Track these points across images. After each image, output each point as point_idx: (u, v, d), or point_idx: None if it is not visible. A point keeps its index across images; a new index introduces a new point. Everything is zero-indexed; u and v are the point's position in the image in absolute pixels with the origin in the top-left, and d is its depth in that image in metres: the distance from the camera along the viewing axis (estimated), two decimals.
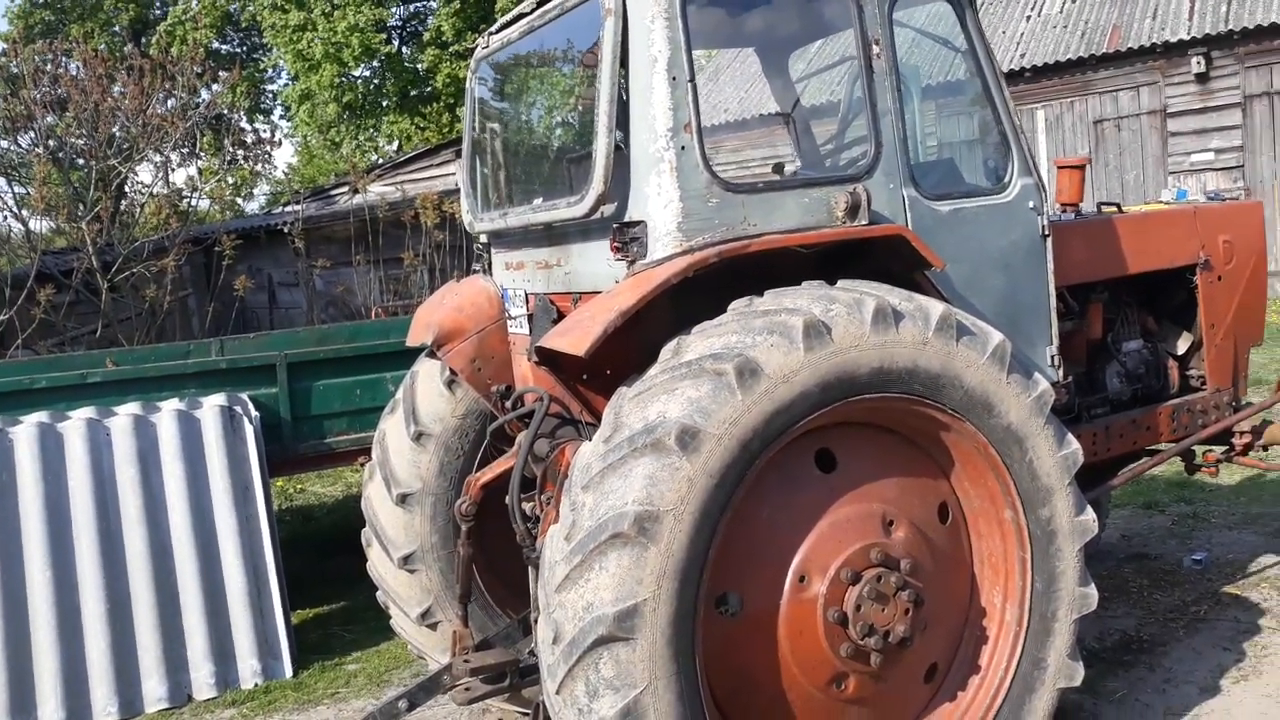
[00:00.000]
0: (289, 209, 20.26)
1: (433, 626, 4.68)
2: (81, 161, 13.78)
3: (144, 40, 36.78)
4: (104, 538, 5.66)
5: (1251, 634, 5.14)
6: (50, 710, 5.34)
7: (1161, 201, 5.72)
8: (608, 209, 3.50)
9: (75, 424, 5.83)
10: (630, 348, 3.47)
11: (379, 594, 4.86)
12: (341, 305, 16.83)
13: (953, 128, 4.50)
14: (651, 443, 2.91)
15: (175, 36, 35.89)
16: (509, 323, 4.38)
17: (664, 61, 3.32)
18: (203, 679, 5.65)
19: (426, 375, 4.69)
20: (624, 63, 3.37)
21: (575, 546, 2.92)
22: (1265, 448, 5.35)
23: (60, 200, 13.90)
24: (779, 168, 4.22)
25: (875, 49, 3.68)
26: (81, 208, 13.30)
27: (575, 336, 3.21)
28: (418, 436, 4.59)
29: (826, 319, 3.14)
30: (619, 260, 3.42)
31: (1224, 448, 5.38)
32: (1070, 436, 3.62)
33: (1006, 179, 4.07)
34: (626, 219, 3.42)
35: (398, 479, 4.61)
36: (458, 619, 4.42)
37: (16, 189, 14.59)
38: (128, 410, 6.03)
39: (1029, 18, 19.98)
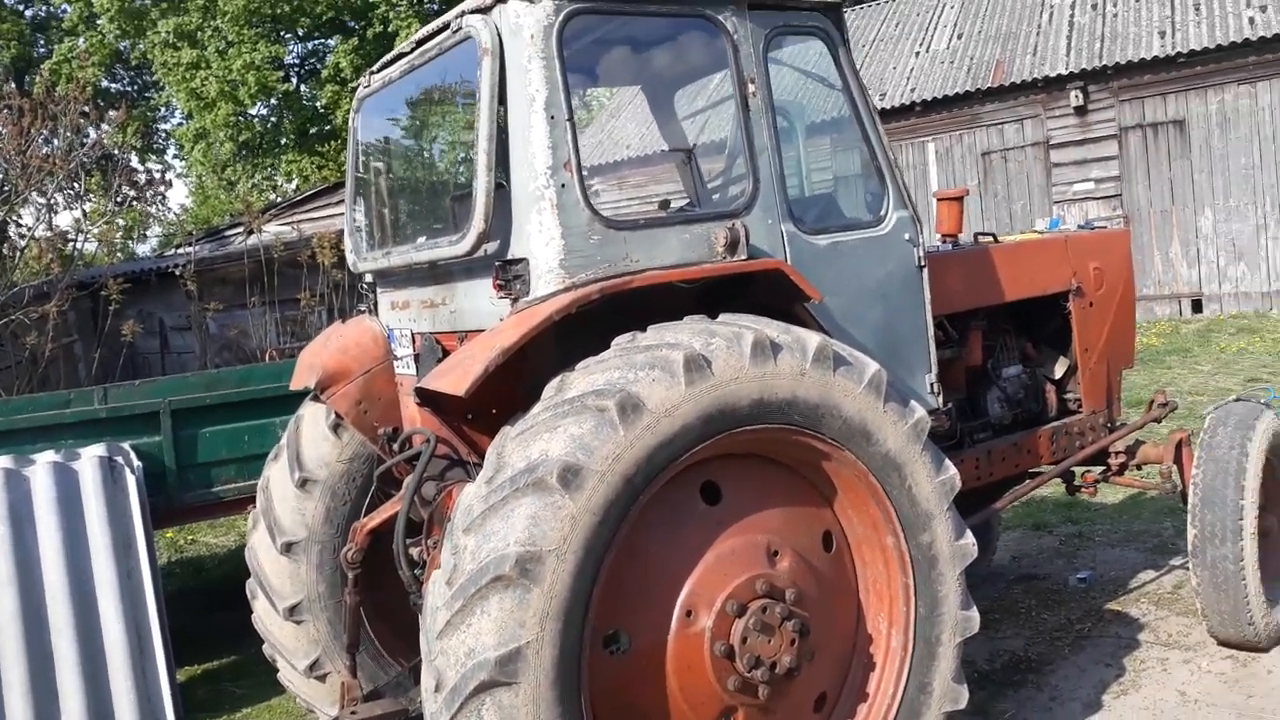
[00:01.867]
0: (181, 251, 19.70)
1: (321, 678, 4.55)
2: None
3: (26, 79, 35.59)
4: None
5: (1131, 649, 5.31)
6: None
7: (1035, 231, 5.95)
8: (490, 247, 3.49)
9: None
10: (515, 386, 3.45)
11: (265, 646, 4.70)
12: (236, 349, 16.38)
13: (830, 163, 4.62)
14: (533, 482, 2.89)
15: (61, 75, 34.83)
16: (396, 363, 4.32)
17: (542, 100, 3.33)
18: None
19: (311, 419, 4.59)
20: (502, 101, 3.37)
21: (456, 591, 2.87)
22: (1139, 466, 5.57)
23: None
24: (664, 204, 4.27)
25: (751, 87, 3.76)
26: None
27: (455, 377, 3.18)
28: (302, 483, 4.48)
29: (707, 353, 3.16)
30: (502, 298, 3.41)
31: (1102, 468, 5.58)
32: (948, 462, 3.71)
33: (882, 212, 4.18)
34: (509, 257, 3.41)
35: (282, 527, 4.49)
36: (346, 670, 4.30)
37: None
38: None
39: (918, 54, 20.72)
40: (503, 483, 2.93)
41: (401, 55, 4.01)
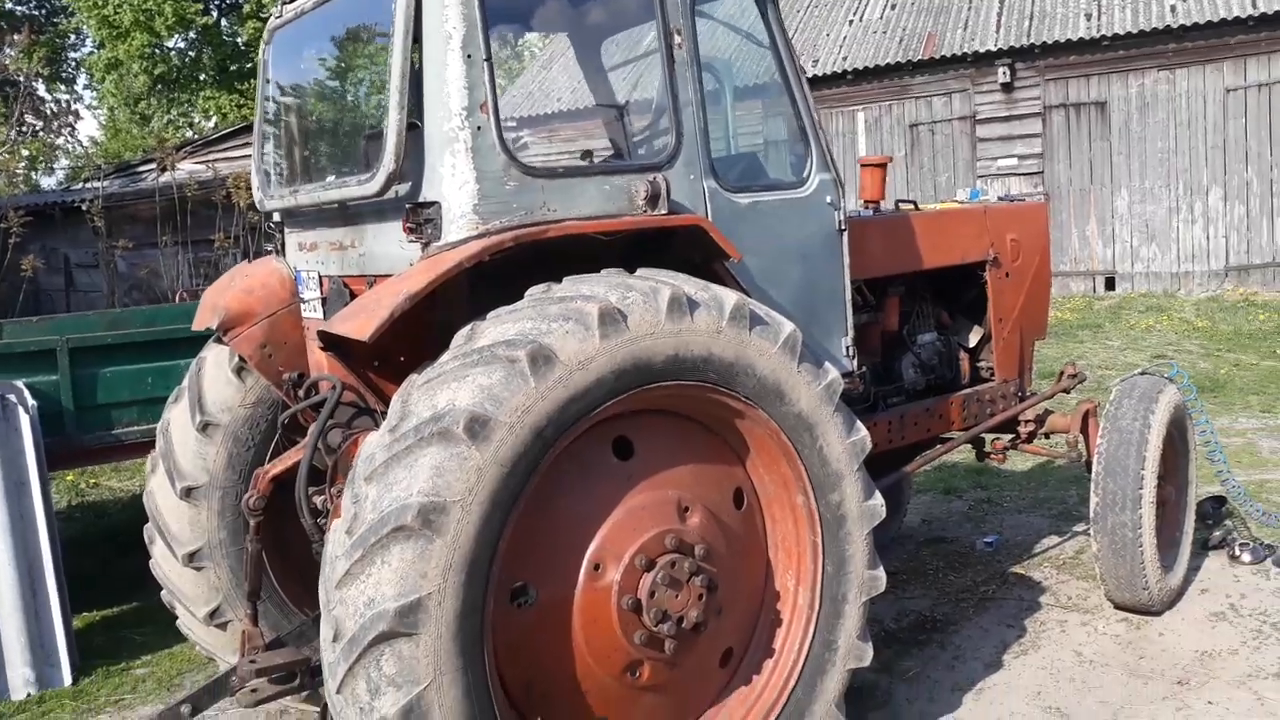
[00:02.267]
0: (90, 185, 18.93)
1: (222, 626, 4.44)
2: None
3: None
4: None
5: (1033, 611, 5.47)
6: None
7: (956, 201, 6.01)
8: (401, 189, 3.38)
9: None
10: (424, 333, 3.37)
11: (164, 593, 4.56)
12: (146, 289, 15.85)
13: (755, 123, 4.58)
14: (439, 431, 2.82)
15: None
16: (302, 306, 4.18)
17: (459, 38, 3.22)
18: None
19: (214, 362, 4.44)
20: (417, 38, 3.24)
21: (356, 540, 2.80)
22: (1047, 435, 5.70)
23: None
24: (587, 154, 4.18)
25: (677, 39, 3.69)
26: None
27: (360, 321, 3.08)
28: (204, 427, 4.33)
29: (622, 306, 3.11)
30: (412, 242, 3.31)
31: (1011, 436, 5.70)
32: (859, 424, 3.74)
33: (805, 174, 4.16)
34: (420, 200, 3.31)
35: (182, 472, 4.34)
36: (247, 618, 4.19)
37: None
38: None
39: (851, 22, 20.75)
40: (407, 431, 2.85)
41: None
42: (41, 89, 39.15)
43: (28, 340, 6.17)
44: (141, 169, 21.47)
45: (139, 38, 29.93)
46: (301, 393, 4.12)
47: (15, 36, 17.50)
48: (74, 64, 38.92)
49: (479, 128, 3.24)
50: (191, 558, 4.35)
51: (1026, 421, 5.57)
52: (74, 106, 36.67)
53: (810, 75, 19.58)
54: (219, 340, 4.31)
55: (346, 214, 3.76)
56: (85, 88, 38.45)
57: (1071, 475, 7.75)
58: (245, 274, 4.39)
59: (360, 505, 2.85)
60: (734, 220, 3.83)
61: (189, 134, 30.56)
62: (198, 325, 4.35)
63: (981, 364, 5.61)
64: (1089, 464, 5.31)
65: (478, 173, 3.24)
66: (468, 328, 3.09)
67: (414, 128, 3.32)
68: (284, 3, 4.07)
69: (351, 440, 3.66)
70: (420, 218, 3.26)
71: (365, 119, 3.51)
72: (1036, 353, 6.22)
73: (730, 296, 3.36)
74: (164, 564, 4.46)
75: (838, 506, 3.66)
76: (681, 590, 3.29)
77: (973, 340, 5.60)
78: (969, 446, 5.78)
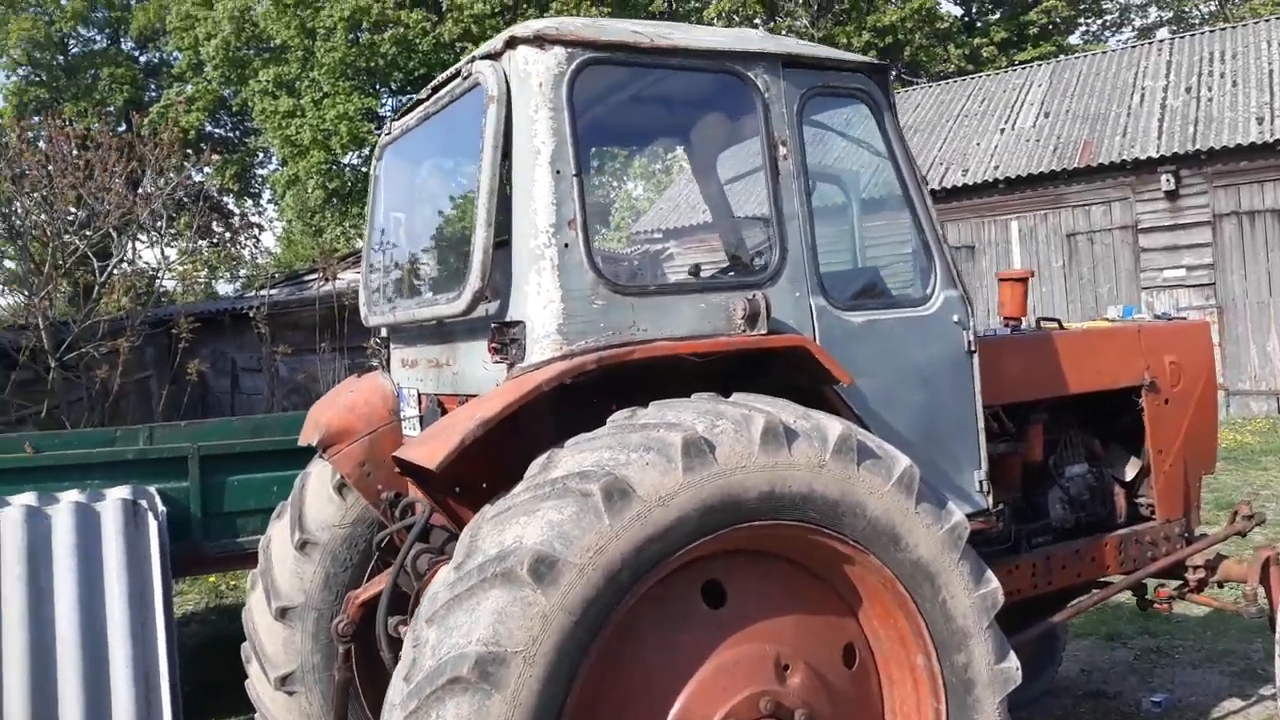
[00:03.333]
0: (259, 294, 20.10)
1: None
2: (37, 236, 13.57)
3: (132, 121, 37.25)
4: None
5: None
6: None
7: (1106, 319, 5.52)
8: (491, 307, 3.25)
9: None
10: (509, 458, 3.17)
11: (257, 716, 4.45)
12: (304, 393, 16.51)
13: (872, 236, 4.30)
14: (502, 572, 2.60)
15: (166, 118, 36.38)
16: (403, 424, 4.09)
17: (548, 153, 3.10)
18: None
19: (318, 478, 4.38)
20: (507, 153, 3.15)
21: (413, 690, 2.58)
22: (1221, 584, 5.03)
23: (15, 276, 13.75)
24: (695, 270, 4.00)
25: (782, 150, 3.48)
26: (34, 285, 13.07)
27: (430, 448, 2.92)
28: (302, 545, 4.25)
29: (710, 436, 2.85)
30: (497, 363, 3.16)
31: (1178, 583, 5.06)
32: (990, 574, 3.31)
33: (929, 290, 3.85)
34: (506, 319, 3.16)
35: (279, 591, 4.26)
36: None
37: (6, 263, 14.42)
38: (22, 500, 5.66)
39: (1003, 131, 20.27)
40: (470, 570, 2.64)
41: (419, 102, 3.84)
42: (231, 203, 42.61)
43: (162, 447, 6.35)
44: (307, 278, 22.73)
45: (316, 155, 32.09)
46: (397, 513, 3.99)
47: (213, 156, 18.88)
48: (260, 179, 42.18)
49: (566, 244, 3.09)
50: (284, 681, 4.23)
51: (1195, 567, 4.92)
52: (257, 220, 39.69)
53: (961, 184, 19.19)
54: (321, 456, 4.25)
55: (442, 331, 3.67)
56: (269, 202, 41.51)
57: (1258, 624, 6.86)
58: (350, 390, 4.35)
59: (420, 650, 2.64)
60: (846, 341, 3.54)
61: (357, 244, 32.37)
62: (302, 441, 4.32)
63: (1140, 500, 5.03)
64: (1273, 621, 4.62)
65: (563, 291, 3.08)
66: (545, 456, 2.89)
67: (504, 244, 3.21)
68: (393, 119, 4.10)
69: (434, 568, 3.48)
70: (505, 337, 3.12)
71: (460, 235, 3.43)
72: (1213, 482, 5.56)
73: (835, 426, 3.05)
74: (258, 685, 4.35)
75: (964, 669, 3.23)
76: None
77: (1129, 474, 5.03)
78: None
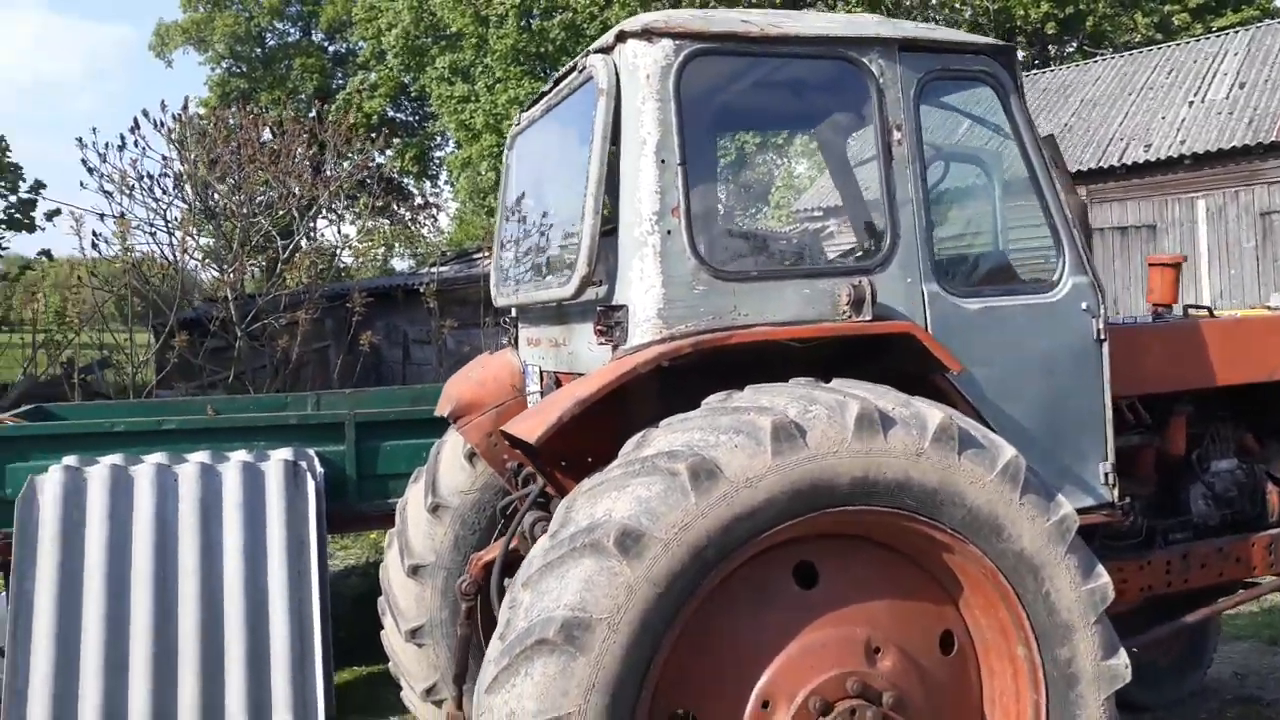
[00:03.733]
0: (430, 270, 21.01)
1: (438, 704, 4.57)
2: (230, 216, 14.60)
3: (324, 107, 39.43)
4: (159, 582, 5.79)
5: None
6: None
7: (1268, 307, 5.17)
8: (600, 291, 3.37)
9: (145, 469, 6.04)
10: (613, 434, 3.30)
11: (390, 665, 4.77)
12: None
13: (997, 222, 4.18)
14: (591, 543, 2.72)
15: (351, 105, 38.37)
16: (528, 399, 4.28)
17: (653, 143, 3.19)
18: None
19: (452, 446, 4.65)
20: (615, 142, 3.26)
21: (505, 648, 2.75)
22: None
23: (213, 252, 14.90)
24: (797, 257, 4.00)
25: (896, 135, 3.45)
26: (227, 261, 14.11)
27: (532, 424, 3.08)
28: (434, 508, 4.53)
29: (802, 421, 2.89)
30: (601, 344, 3.28)
31: None
32: (1100, 569, 3.22)
33: (1056, 277, 3.73)
34: (611, 303, 3.28)
35: (412, 550, 4.55)
36: (452, 700, 4.27)
37: (204, 240, 15.64)
38: (197, 458, 6.21)
39: (1191, 103, 18.98)
40: (563, 539, 2.78)
41: (544, 94, 4.00)
42: (411, 184, 44.61)
43: (322, 414, 6.81)
44: (475, 256, 23.59)
45: (489, 139, 33.15)
46: (519, 482, 4.20)
47: (392, 140, 19.81)
48: (438, 162, 43.94)
49: (669, 231, 3.18)
50: (414, 634, 4.52)
51: None
52: (435, 200, 41.43)
53: (1142, 161, 18.11)
54: (453, 427, 4.50)
55: (560, 313, 3.83)
56: (445, 183, 43.21)
57: None
58: (481, 365, 4.59)
59: (514, 611, 2.80)
60: (962, 328, 3.49)
61: None
62: (438, 412, 4.58)
63: None
64: None
65: (664, 276, 3.17)
66: (640, 435, 3.00)
67: (613, 232, 3.33)
68: (522, 111, 4.28)
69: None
70: (610, 320, 3.24)
71: (575, 223, 3.57)
72: None
73: (936, 414, 3.03)
74: (391, 636, 4.67)
75: (1068, 664, 3.16)
76: None
77: None
78: None
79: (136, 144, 13.50)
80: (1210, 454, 4.59)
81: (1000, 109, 3.71)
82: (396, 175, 43.18)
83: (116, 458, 6.07)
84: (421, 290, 16.81)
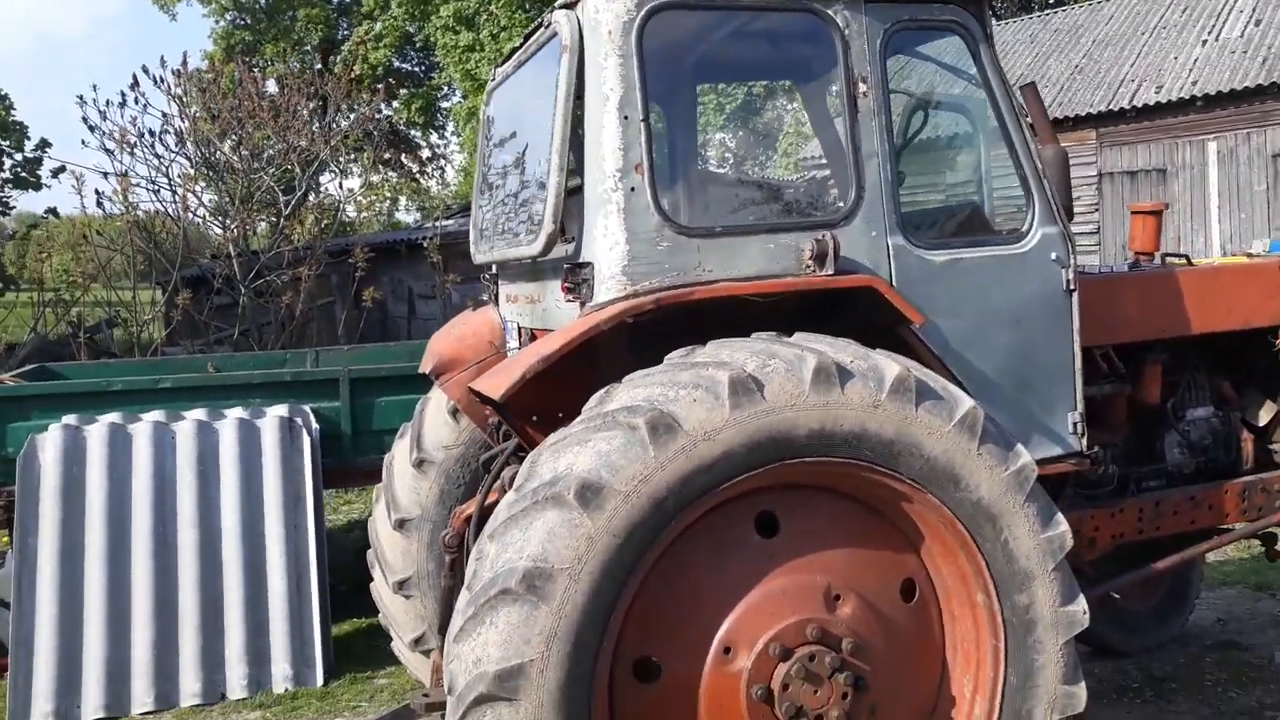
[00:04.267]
0: (433, 224, 21.02)
1: (426, 653, 4.68)
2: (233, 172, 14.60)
3: (331, 59, 39.12)
4: (158, 537, 5.94)
5: None
6: (93, 696, 5.62)
7: (1247, 254, 5.16)
8: (568, 248, 3.41)
9: (144, 426, 6.16)
10: (585, 390, 3.36)
11: (380, 616, 4.89)
12: None
13: (967, 172, 4.18)
14: (552, 495, 2.79)
15: (357, 56, 38.08)
16: (508, 354, 4.33)
17: (616, 99, 3.21)
18: (236, 679, 5.85)
19: (436, 403, 4.72)
20: (580, 99, 3.28)
21: (471, 598, 2.84)
22: None
23: (219, 208, 14.94)
24: (758, 211, 3.99)
25: (862, 87, 3.45)
26: (231, 217, 14.15)
27: (496, 380, 3.14)
28: (419, 463, 4.61)
29: (760, 374, 2.94)
30: (569, 301, 3.33)
31: None
32: (1059, 517, 3.27)
33: (1024, 228, 3.75)
34: (578, 260, 3.32)
35: (398, 504, 4.64)
36: (437, 650, 4.39)
37: (207, 197, 15.67)
38: (194, 415, 6.32)
39: (1205, 42, 18.67)
40: (527, 492, 2.85)
41: (516, 49, 4.00)
42: (418, 136, 44.37)
43: (316, 370, 6.90)
44: None
45: None
46: (501, 436, 4.27)
47: (397, 90, 19.66)
48: (445, 113, 43.64)
49: (633, 188, 3.21)
50: (401, 585, 4.63)
51: None
52: (442, 152, 41.19)
53: (1153, 103, 17.86)
54: (435, 383, 4.57)
55: (535, 269, 3.87)
56: (453, 133, 42.92)
57: None
58: (463, 322, 4.64)
59: (480, 563, 2.88)
60: (927, 280, 3.52)
61: None
62: (422, 369, 4.64)
63: (1275, 447, 4.75)
64: None
65: (629, 233, 3.20)
66: (604, 391, 3.05)
67: (581, 189, 3.35)
68: (497, 67, 4.28)
69: None
70: (577, 278, 3.28)
71: (544, 180, 3.59)
72: None
73: (893, 367, 3.07)
74: (380, 588, 4.78)
75: (1025, 610, 3.23)
76: (822, 686, 3.03)
77: (1264, 419, 4.75)
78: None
79: (137, 101, 13.54)
80: (1186, 402, 4.62)
81: (970, 58, 3.70)
82: (403, 127, 42.97)
83: (115, 416, 6.19)
84: (425, 244, 16.84)
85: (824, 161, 4.27)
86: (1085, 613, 3.30)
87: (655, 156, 3.31)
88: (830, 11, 3.45)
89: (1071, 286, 3.78)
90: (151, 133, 13.79)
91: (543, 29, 3.63)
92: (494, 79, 4.34)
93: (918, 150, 4.03)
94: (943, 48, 3.81)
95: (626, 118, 3.21)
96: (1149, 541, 4.46)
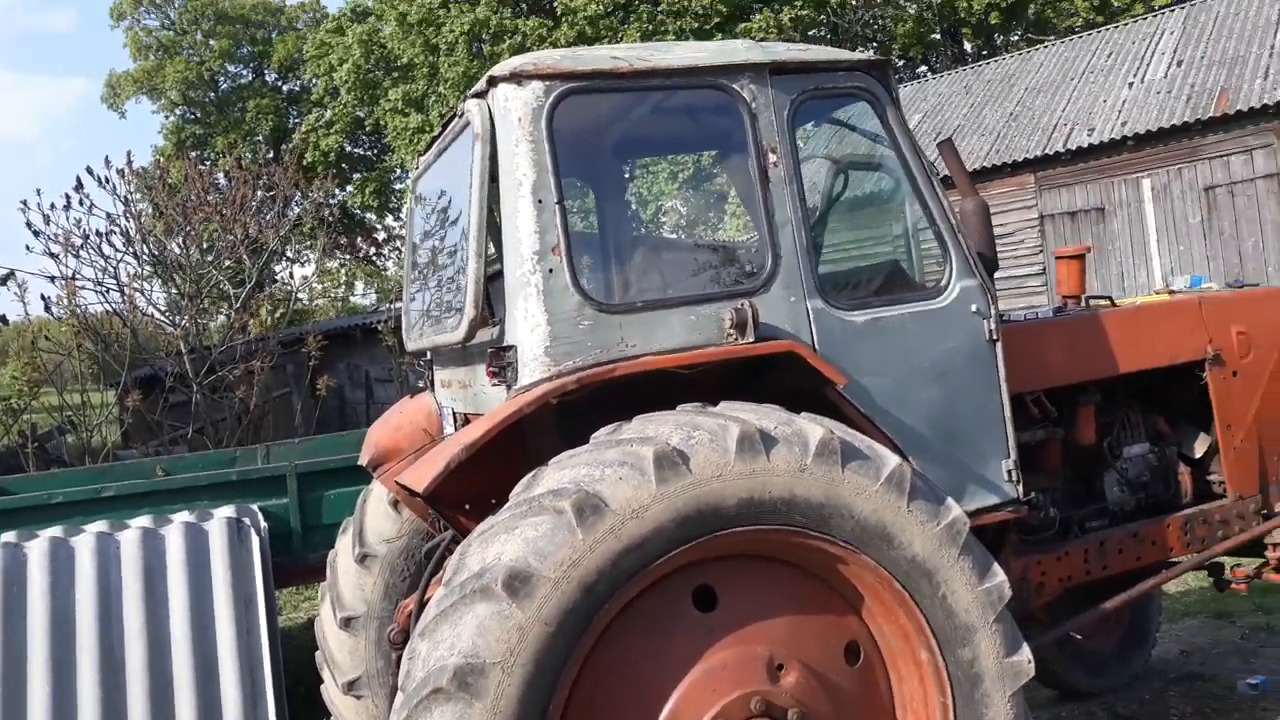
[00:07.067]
0: (389, 307, 21.01)
1: None
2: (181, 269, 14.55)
3: (282, 146, 39.38)
4: (105, 652, 5.75)
5: None
6: None
7: (1169, 291, 5.28)
8: (493, 333, 3.42)
9: (86, 538, 6.00)
10: (518, 474, 3.34)
11: (332, 719, 4.77)
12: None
13: (881, 233, 4.26)
14: (481, 588, 2.76)
15: (309, 143, 38.32)
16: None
17: (529, 184, 3.25)
18: None
19: (377, 495, 4.67)
20: (495, 183, 3.31)
21: (404, 699, 2.78)
22: None
23: (173, 305, 14.85)
24: (673, 286, 4.04)
25: (772, 158, 3.52)
26: (179, 311, 14.07)
27: (420, 473, 3.12)
28: (362, 558, 4.54)
29: (685, 447, 2.94)
30: (495, 385, 3.33)
31: (1259, 562, 4.83)
32: (996, 568, 3.28)
33: (943, 283, 3.81)
34: (502, 344, 3.33)
35: (343, 602, 4.56)
36: None
37: (159, 295, 15.55)
38: (139, 523, 6.19)
39: (1131, 84, 19.27)
40: (455, 586, 2.82)
41: (436, 138, 4.05)
42: (373, 219, 44.54)
43: (263, 468, 6.81)
44: None
45: None
46: (440, 526, 4.22)
47: (333, 181, 19.81)
48: (399, 195, 43.94)
49: (551, 270, 3.23)
50: (351, 686, 4.53)
51: (1276, 545, 4.68)
52: (398, 233, 41.31)
53: (1086, 145, 18.35)
54: (374, 475, 4.52)
55: (465, 354, 3.86)
56: (407, 214, 43.16)
57: None
58: (400, 411, 4.62)
59: (413, 662, 2.83)
60: (848, 341, 3.56)
61: None
62: (360, 461, 4.60)
63: (1212, 478, 4.81)
64: None
65: (549, 315, 3.22)
66: (531, 475, 3.04)
67: (500, 275, 3.38)
68: (419, 154, 4.32)
69: None
70: (501, 361, 3.29)
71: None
72: None
73: (816, 430, 3.09)
74: (330, 691, 4.68)
75: (970, 664, 3.22)
76: None
77: (1199, 451, 4.82)
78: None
79: (81, 203, 13.50)
80: (1121, 440, 4.67)
81: (878, 122, 3.78)
82: (357, 210, 43.14)
83: (57, 530, 6.05)
84: (380, 328, 16.80)
85: (744, 231, 4.33)
86: (1030, 662, 3.29)
87: (573, 237, 3.34)
88: (736, 86, 3.52)
89: (994, 336, 3.83)
90: (98, 234, 13.75)
91: (458, 117, 3.68)
92: (417, 167, 4.38)
93: (838, 212, 4.10)
94: (853, 112, 3.89)
95: (541, 201, 3.24)
96: (1100, 581, 4.47)
